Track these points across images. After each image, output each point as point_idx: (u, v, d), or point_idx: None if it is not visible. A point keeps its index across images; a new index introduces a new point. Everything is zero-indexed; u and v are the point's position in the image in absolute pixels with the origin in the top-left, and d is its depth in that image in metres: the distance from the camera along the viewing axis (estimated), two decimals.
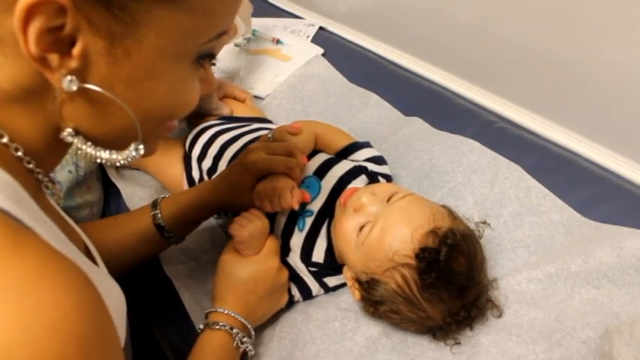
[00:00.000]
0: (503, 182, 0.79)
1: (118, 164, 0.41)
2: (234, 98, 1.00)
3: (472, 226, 0.70)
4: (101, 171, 0.91)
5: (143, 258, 0.72)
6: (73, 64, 0.34)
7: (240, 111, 0.96)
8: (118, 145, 0.40)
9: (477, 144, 0.86)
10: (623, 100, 0.79)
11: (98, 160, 0.40)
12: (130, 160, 0.41)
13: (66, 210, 0.49)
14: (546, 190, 0.77)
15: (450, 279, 0.60)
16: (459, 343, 0.63)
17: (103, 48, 0.34)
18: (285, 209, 0.68)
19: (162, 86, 0.38)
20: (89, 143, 0.39)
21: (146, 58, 0.35)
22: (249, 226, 0.65)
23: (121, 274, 0.53)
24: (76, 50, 0.33)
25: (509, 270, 0.70)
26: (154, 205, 0.70)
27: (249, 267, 0.65)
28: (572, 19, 0.78)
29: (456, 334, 0.64)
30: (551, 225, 0.73)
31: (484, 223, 0.71)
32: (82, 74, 0.34)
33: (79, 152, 0.39)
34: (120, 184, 0.89)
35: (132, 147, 0.40)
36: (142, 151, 0.41)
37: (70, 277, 0.32)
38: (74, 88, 0.34)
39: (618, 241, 0.67)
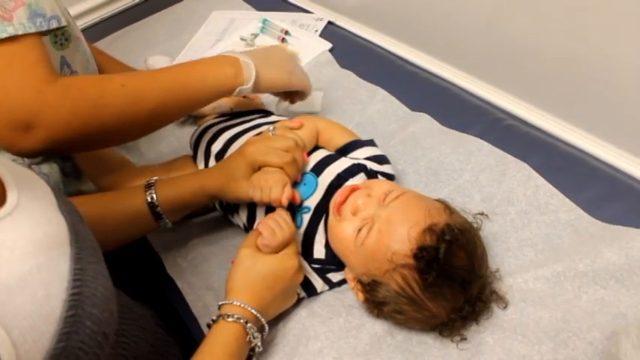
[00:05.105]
0: (510, 180, 0.79)
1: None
2: None
3: (470, 218, 0.69)
4: None
5: (127, 238, 0.71)
6: None
7: (239, 102, 0.95)
8: None
9: (485, 143, 0.86)
10: (633, 99, 0.78)
11: None
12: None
13: None
14: (554, 189, 0.76)
15: (452, 275, 0.59)
16: (465, 339, 0.63)
17: None
18: (274, 203, 0.68)
19: None
20: None
21: None
22: (280, 235, 0.65)
23: (104, 252, 0.51)
24: None
25: (515, 268, 0.70)
26: (149, 186, 0.69)
27: (270, 264, 0.65)
28: (583, 16, 0.77)
29: (462, 329, 0.63)
30: (559, 224, 0.73)
31: (482, 214, 0.70)
32: None
33: None
34: None
35: None
36: None
37: None
38: None
39: (627, 241, 0.66)
